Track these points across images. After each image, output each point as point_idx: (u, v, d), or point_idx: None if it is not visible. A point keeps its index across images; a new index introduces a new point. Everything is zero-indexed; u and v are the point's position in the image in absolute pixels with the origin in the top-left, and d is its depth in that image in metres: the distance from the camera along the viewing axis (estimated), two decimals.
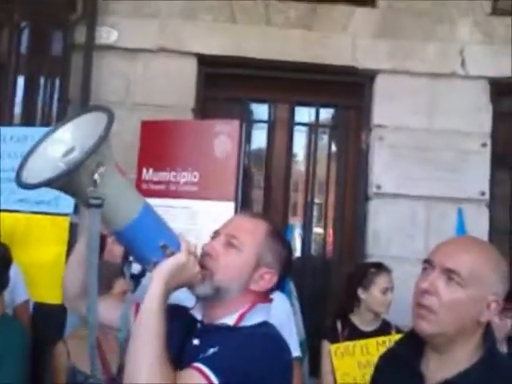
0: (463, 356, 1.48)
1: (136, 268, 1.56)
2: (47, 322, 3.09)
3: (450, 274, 1.48)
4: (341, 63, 4.19)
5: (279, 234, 1.69)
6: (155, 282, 1.43)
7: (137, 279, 1.56)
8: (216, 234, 1.63)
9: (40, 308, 3.25)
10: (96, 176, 1.31)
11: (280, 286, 3.22)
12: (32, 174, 1.36)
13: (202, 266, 1.54)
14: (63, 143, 1.42)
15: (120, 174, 1.43)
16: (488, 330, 1.53)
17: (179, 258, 1.47)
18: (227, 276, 1.55)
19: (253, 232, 1.61)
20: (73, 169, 1.28)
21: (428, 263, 1.54)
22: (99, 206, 1.33)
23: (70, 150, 1.39)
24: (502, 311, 2.59)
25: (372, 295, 3.12)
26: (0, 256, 2.31)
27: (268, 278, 1.60)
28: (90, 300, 1.40)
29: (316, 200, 4.44)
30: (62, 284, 1.70)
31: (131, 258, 1.55)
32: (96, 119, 1.40)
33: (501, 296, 1.50)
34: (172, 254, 1.47)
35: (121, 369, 2.26)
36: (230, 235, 1.59)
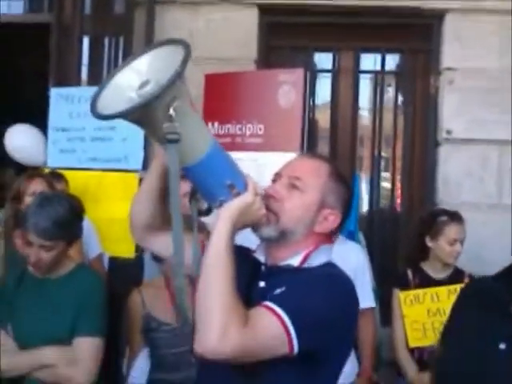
0: None
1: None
2: (123, 275, 3.20)
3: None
4: (406, 4, 4.03)
5: (341, 175, 1.66)
6: (222, 221, 1.43)
7: (204, 215, 1.56)
8: (277, 176, 1.61)
9: (115, 262, 3.38)
10: (171, 110, 1.29)
11: (344, 229, 3.23)
12: (106, 106, 1.35)
13: (267, 209, 1.54)
14: (138, 75, 1.41)
15: (193, 109, 1.42)
16: None
17: (246, 198, 1.47)
18: (292, 218, 1.55)
19: (315, 173, 1.60)
20: (149, 101, 1.26)
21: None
22: (176, 140, 1.31)
23: (145, 83, 1.37)
24: None
25: (439, 245, 3.02)
26: (72, 206, 2.39)
27: (332, 219, 1.59)
28: (175, 239, 1.38)
29: (383, 149, 4.34)
30: (129, 215, 1.68)
31: (198, 195, 1.55)
32: (172, 53, 1.38)
33: None
34: (238, 194, 1.47)
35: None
36: (293, 177, 1.57)
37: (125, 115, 1.30)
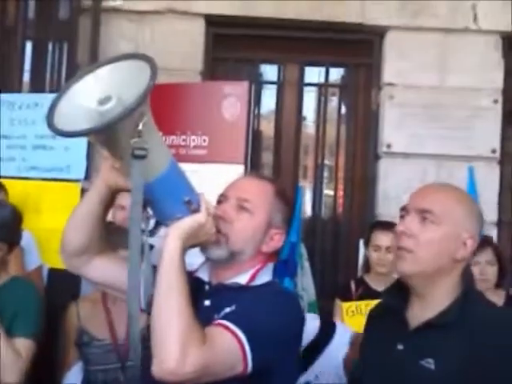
0: (442, 297, 1.53)
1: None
2: (62, 287, 3.15)
3: (423, 213, 1.52)
4: (350, 20, 4.12)
5: (285, 194, 1.71)
6: (173, 239, 1.42)
7: (151, 235, 1.52)
8: (224, 197, 1.62)
9: (54, 274, 3.32)
10: (141, 126, 1.28)
11: (287, 241, 3.23)
12: (65, 121, 1.31)
13: (216, 230, 1.54)
14: (98, 89, 1.36)
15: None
16: (466, 271, 1.57)
17: (198, 217, 1.46)
18: (242, 240, 1.57)
19: (263, 194, 1.63)
20: (121, 117, 1.24)
21: (404, 210, 1.59)
22: (144, 156, 1.29)
23: (106, 99, 1.33)
24: None
25: (369, 253, 3.10)
26: (14, 212, 2.38)
27: (277, 239, 1.63)
28: (132, 262, 1.34)
29: (326, 161, 4.42)
30: (61, 240, 1.59)
31: (148, 214, 1.51)
32: (132, 67, 1.36)
33: (476, 234, 1.54)
34: (195, 210, 1.46)
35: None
36: (242, 199, 1.59)
37: (93, 133, 1.28)
